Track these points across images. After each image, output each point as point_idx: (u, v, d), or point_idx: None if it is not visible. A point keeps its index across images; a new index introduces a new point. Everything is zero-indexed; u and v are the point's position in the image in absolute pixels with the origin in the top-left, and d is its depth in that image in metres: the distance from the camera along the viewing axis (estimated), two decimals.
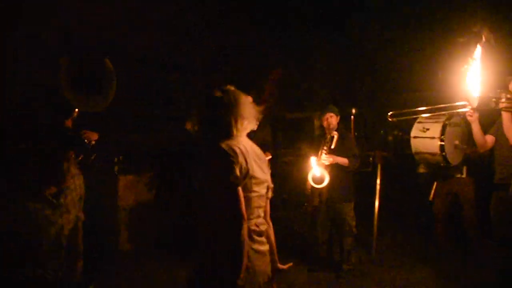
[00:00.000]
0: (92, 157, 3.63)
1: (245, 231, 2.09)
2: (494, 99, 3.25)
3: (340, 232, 4.55)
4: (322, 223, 4.63)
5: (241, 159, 2.14)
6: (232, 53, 7.68)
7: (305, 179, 4.43)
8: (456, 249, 5.10)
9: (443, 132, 4.32)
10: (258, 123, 4.81)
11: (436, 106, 3.87)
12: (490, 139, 3.80)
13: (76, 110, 3.75)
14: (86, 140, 3.61)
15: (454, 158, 4.43)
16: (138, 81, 6.30)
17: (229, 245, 2.10)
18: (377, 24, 7.39)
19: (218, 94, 2.27)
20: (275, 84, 7.99)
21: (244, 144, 2.23)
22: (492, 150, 3.88)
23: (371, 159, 6.41)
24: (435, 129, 4.40)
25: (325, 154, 4.38)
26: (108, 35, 5.94)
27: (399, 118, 3.80)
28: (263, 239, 2.32)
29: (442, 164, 4.51)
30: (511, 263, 3.68)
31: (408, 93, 6.91)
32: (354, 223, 4.57)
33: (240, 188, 2.11)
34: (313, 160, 4.34)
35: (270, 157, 4.80)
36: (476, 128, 3.72)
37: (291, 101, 8.37)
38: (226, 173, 2.09)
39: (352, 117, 7.71)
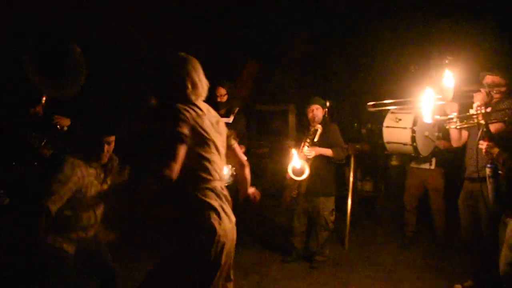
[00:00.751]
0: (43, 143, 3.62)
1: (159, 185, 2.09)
2: (447, 121, 3.30)
3: (316, 225, 4.55)
4: (299, 214, 4.61)
5: (193, 121, 2.14)
6: (208, 45, 7.59)
7: (285, 171, 4.38)
8: (425, 239, 5.22)
9: (415, 123, 4.39)
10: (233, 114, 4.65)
11: (414, 98, 3.89)
12: (464, 134, 3.77)
13: (44, 96, 3.67)
14: (58, 126, 3.60)
15: (424, 149, 4.52)
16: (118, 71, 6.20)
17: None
18: (351, 16, 7.43)
19: (174, 58, 2.28)
20: (250, 75, 7.96)
21: (200, 107, 2.25)
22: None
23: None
24: (407, 120, 4.48)
25: (308, 146, 4.35)
26: (99, 29, 5.83)
27: (378, 109, 3.80)
28: (230, 209, 2.33)
29: (412, 154, 4.61)
30: (477, 252, 3.76)
31: (381, 86, 6.98)
32: (332, 217, 4.54)
33: (183, 146, 2.08)
34: (294, 152, 4.30)
35: (243, 150, 4.76)
36: None
37: (265, 93, 8.35)
38: (173, 126, 2.09)
39: (326, 109, 7.74)
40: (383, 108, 3.80)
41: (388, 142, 4.68)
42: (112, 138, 2.87)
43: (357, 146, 5.88)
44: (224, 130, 2.39)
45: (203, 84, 2.29)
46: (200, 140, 2.17)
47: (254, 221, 5.45)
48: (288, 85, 8.38)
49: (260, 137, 7.99)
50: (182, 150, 2.07)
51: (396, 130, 4.54)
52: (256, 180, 7.34)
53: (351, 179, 5.46)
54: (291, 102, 8.16)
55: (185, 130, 2.09)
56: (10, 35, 4.95)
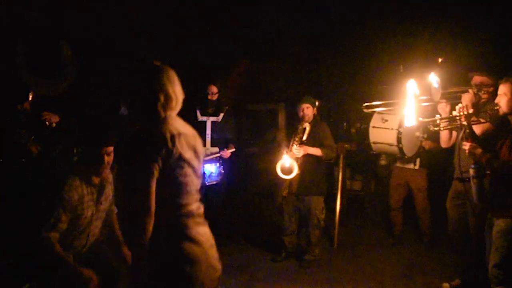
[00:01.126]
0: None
1: (147, 231, 1.92)
2: (431, 123, 3.34)
3: (307, 224, 4.57)
4: (290, 213, 4.63)
5: (168, 144, 1.97)
6: (197, 44, 7.56)
7: (274, 170, 4.40)
8: (413, 238, 5.27)
9: (401, 124, 4.42)
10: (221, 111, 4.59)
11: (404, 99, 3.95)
12: (454, 134, 3.79)
13: (31, 92, 3.66)
14: (47, 122, 3.60)
15: (409, 150, 4.56)
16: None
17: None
18: (341, 17, 7.46)
19: (147, 69, 2.13)
20: (240, 74, 7.95)
21: (175, 125, 2.07)
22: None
23: None
24: (393, 121, 4.51)
25: (297, 145, 4.36)
26: (98, 28, 5.78)
27: (372, 110, 3.88)
28: (206, 228, 2.18)
29: (398, 155, 4.66)
30: (465, 251, 3.81)
31: (371, 86, 7.02)
32: (322, 216, 4.57)
33: (153, 180, 1.93)
34: (289, 151, 4.31)
35: (233, 149, 4.75)
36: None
37: (255, 92, 8.35)
38: (145, 156, 1.94)
39: (316, 108, 7.76)
40: (377, 109, 3.86)
41: (374, 142, 4.72)
42: (111, 148, 2.79)
43: (346, 145, 5.92)
44: (201, 148, 2.21)
45: (177, 97, 2.10)
46: (175, 163, 2.00)
47: (245, 220, 5.46)
48: (279, 84, 8.39)
49: (251, 136, 7.99)
50: (153, 185, 1.93)
51: (383, 131, 4.57)
52: (247, 180, 7.39)
53: (340, 178, 5.49)
54: (281, 101, 8.17)
55: (156, 165, 1.93)
56: (5, 34, 4.90)
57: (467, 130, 3.09)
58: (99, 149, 2.75)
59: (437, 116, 3.31)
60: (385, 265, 4.59)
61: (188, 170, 2.06)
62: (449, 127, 3.36)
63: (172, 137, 2.00)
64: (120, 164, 2.13)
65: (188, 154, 2.06)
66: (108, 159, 2.79)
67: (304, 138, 4.41)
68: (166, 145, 1.96)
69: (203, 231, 2.13)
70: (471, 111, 3.09)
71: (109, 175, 2.96)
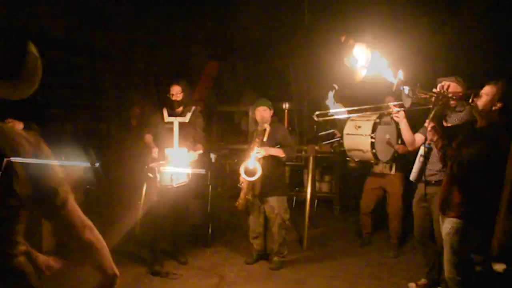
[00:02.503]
0: None
1: None
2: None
3: (273, 225, 4.57)
4: (256, 215, 4.63)
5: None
6: (166, 45, 7.50)
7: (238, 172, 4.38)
8: (381, 239, 5.35)
9: (374, 130, 4.49)
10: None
11: (363, 107, 4.02)
12: (419, 137, 3.81)
13: None
14: None
15: (383, 155, 4.63)
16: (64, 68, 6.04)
17: None
18: (311, 18, 7.53)
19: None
20: (210, 76, 7.91)
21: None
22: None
23: (303, 153, 6.52)
24: (366, 127, 4.56)
25: (258, 147, 4.36)
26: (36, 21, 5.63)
27: (325, 118, 3.90)
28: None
29: (372, 161, 4.72)
30: (430, 251, 3.88)
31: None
32: (287, 216, 4.59)
33: None
34: (252, 153, 4.30)
35: (200, 151, 4.70)
36: (404, 127, 3.73)
37: (226, 94, 8.32)
38: None
39: (285, 111, 7.82)
40: (330, 118, 3.89)
41: (349, 149, 4.77)
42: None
43: (316, 147, 5.96)
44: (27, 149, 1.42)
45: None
46: None
47: (214, 222, 5.41)
48: (249, 87, 8.39)
49: (221, 138, 7.95)
50: None
51: (356, 137, 4.62)
52: (216, 182, 7.34)
53: (309, 180, 5.52)
54: (251, 103, 8.18)
55: None
56: None
57: (437, 109, 3.09)
58: None
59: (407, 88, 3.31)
60: (353, 266, 4.64)
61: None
62: (415, 101, 3.36)
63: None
64: None
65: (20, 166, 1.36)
66: None
67: (265, 139, 4.42)
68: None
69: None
70: (450, 94, 3.11)
71: None
